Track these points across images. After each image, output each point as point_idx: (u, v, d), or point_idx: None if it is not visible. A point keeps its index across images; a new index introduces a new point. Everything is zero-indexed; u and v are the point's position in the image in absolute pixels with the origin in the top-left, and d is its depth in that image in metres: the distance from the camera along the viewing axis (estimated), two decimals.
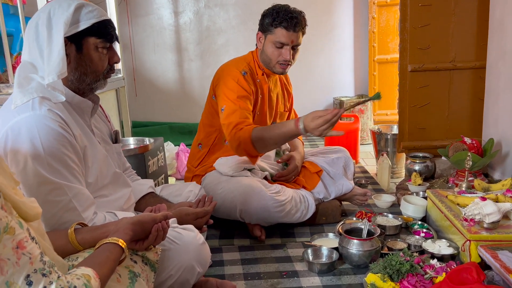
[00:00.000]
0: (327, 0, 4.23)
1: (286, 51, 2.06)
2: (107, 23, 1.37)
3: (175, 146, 3.39)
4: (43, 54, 1.30)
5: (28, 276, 0.80)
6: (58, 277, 0.85)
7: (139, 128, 4.16)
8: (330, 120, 1.78)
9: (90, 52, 1.35)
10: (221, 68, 2.18)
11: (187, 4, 4.30)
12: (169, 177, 2.95)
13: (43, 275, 0.82)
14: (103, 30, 1.35)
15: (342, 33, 4.30)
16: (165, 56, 4.41)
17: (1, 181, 0.85)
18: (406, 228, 2.08)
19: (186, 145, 3.34)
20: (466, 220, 1.70)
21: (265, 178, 2.12)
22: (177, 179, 3.13)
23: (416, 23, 2.62)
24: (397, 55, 3.99)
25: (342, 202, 2.31)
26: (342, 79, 4.41)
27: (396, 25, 4.04)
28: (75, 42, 1.33)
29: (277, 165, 2.27)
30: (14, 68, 2.71)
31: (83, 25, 1.32)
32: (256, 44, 2.16)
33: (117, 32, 1.44)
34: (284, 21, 2.01)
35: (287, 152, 2.33)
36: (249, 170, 2.11)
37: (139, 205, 1.67)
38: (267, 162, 2.24)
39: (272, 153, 2.29)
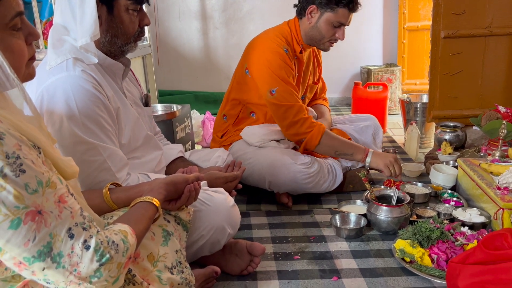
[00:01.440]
0: None
1: (342, 31, 2.02)
2: None
3: (200, 114, 3.40)
4: (76, 16, 1.30)
5: (70, 229, 0.82)
6: (97, 231, 0.87)
7: (164, 97, 4.18)
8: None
9: (121, 14, 1.35)
10: (258, 42, 2.06)
11: None
12: (195, 145, 2.97)
13: (84, 228, 0.84)
14: None
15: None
16: (190, 24, 4.37)
17: (41, 138, 0.86)
18: (435, 197, 2.06)
19: (212, 114, 3.34)
20: (499, 188, 1.66)
21: (294, 148, 2.10)
22: (203, 146, 3.15)
23: None
24: (428, 23, 3.88)
25: (370, 171, 2.29)
26: (370, 48, 4.29)
27: None
28: (106, 3, 1.32)
29: None
30: (43, 34, 2.73)
31: None
32: (301, 15, 2.04)
33: None
34: (350, 2, 1.94)
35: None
36: (277, 140, 2.10)
37: (169, 169, 1.70)
38: None
39: None
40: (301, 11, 2.05)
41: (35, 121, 0.92)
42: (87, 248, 0.83)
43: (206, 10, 4.33)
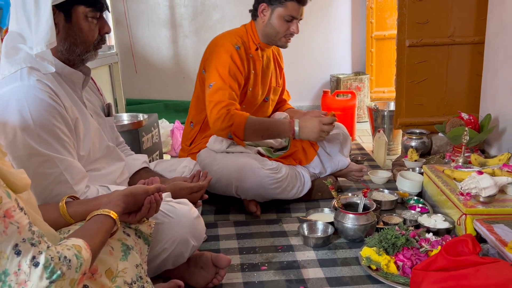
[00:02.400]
0: None
1: (295, 25, 2.05)
2: None
3: (170, 123, 3.36)
4: (31, 23, 1.25)
5: (16, 245, 0.78)
6: (48, 247, 0.83)
7: (133, 106, 4.11)
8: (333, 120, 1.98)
9: (80, 21, 1.31)
10: (213, 41, 2.12)
11: None
12: (164, 155, 2.93)
13: (32, 244, 0.80)
14: None
15: (339, 8, 4.22)
16: (160, 32, 4.33)
17: None
18: (402, 203, 2.08)
19: (181, 123, 3.30)
20: (462, 194, 1.69)
21: (260, 153, 2.10)
22: (172, 156, 3.11)
23: None
24: (395, 32, 3.92)
25: (338, 178, 2.30)
26: (339, 56, 4.35)
27: (394, 1, 3.98)
28: (63, 11, 1.28)
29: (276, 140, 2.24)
30: (2, 41, 2.65)
31: None
32: (255, 16, 2.09)
33: (107, 1, 1.39)
34: None
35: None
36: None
37: (133, 180, 1.65)
38: None
39: None
40: (254, 12, 2.09)
41: None
42: (36, 265, 0.80)
43: (176, 19, 4.30)
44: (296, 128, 2.00)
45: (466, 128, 2.05)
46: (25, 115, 1.19)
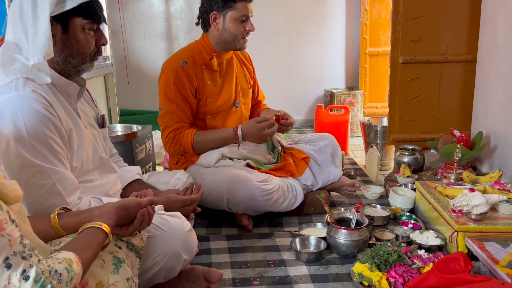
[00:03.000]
0: None
1: (250, 23, 2.08)
2: (94, 4, 1.33)
3: None
4: (28, 34, 1.26)
5: (7, 258, 0.77)
6: (39, 260, 0.82)
7: (127, 117, 4.10)
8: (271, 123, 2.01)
9: (77, 33, 1.31)
10: (164, 63, 2.14)
11: None
12: (157, 166, 2.92)
13: (23, 258, 0.80)
14: (90, 11, 1.32)
15: (334, 24, 4.28)
16: (155, 44, 4.35)
17: None
18: (394, 219, 2.08)
19: None
20: (454, 211, 1.70)
21: (249, 165, 2.10)
22: (165, 168, 3.10)
23: (409, 14, 2.61)
24: (388, 48, 3.98)
25: (331, 193, 2.30)
26: (333, 71, 4.39)
27: (388, 18, 4.04)
28: (61, 22, 1.29)
29: (260, 150, 2.22)
30: None
31: (70, 4, 1.28)
32: (206, 27, 2.10)
33: (105, 13, 1.40)
34: None
35: (278, 144, 2.30)
36: (231, 159, 2.09)
37: (126, 192, 1.64)
38: (250, 149, 2.19)
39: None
40: (204, 23, 2.11)
41: None
42: (26, 278, 0.79)
43: (172, 31, 4.33)
44: (239, 133, 2.05)
45: (458, 145, 2.06)
46: (19, 125, 1.18)
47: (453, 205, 1.70)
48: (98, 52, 1.40)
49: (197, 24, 2.15)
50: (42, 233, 1.09)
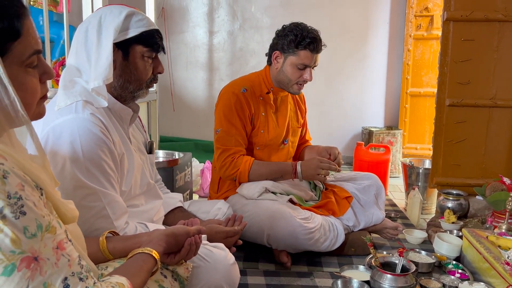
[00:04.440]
0: (363, 29, 4.22)
1: (308, 73, 2.06)
2: (155, 33, 1.37)
3: (200, 163, 3.37)
4: (91, 59, 1.30)
5: (65, 278, 0.77)
6: (94, 283, 0.81)
7: (165, 143, 4.16)
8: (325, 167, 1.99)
9: (136, 60, 1.34)
10: (223, 88, 2.17)
11: (222, 24, 4.35)
12: (193, 194, 2.92)
13: (80, 279, 0.79)
14: (151, 40, 1.35)
15: (376, 63, 4.27)
16: (197, 74, 4.45)
17: (44, 179, 0.83)
18: (439, 267, 1.99)
19: (211, 163, 3.30)
20: (508, 264, 1.60)
21: (291, 201, 2.06)
22: (200, 196, 3.10)
23: (457, 57, 2.57)
24: (430, 89, 3.98)
25: (372, 234, 2.23)
26: (372, 109, 4.35)
27: (432, 59, 4.00)
28: (122, 49, 1.32)
29: (303, 187, 2.19)
30: None
31: (132, 32, 1.32)
32: (270, 62, 2.12)
33: (164, 43, 1.43)
34: (310, 44, 1.99)
35: (319, 182, 2.27)
36: (274, 193, 2.06)
37: (167, 219, 1.64)
38: (293, 184, 2.17)
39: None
40: (269, 58, 2.12)
41: (40, 160, 0.88)
42: None
43: (213, 62, 4.42)
44: (299, 169, 2.04)
45: (511, 194, 1.97)
46: (76, 147, 1.20)
47: (508, 257, 1.61)
48: (154, 79, 1.43)
49: (266, 54, 2.16)
50: (89, 256, 1.09)
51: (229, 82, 2.18)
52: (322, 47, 2.05)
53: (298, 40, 1.98)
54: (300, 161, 2.07)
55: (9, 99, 0.75)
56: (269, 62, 2.13)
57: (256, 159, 2.09)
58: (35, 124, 1.24)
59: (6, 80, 0.74)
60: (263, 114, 2.11)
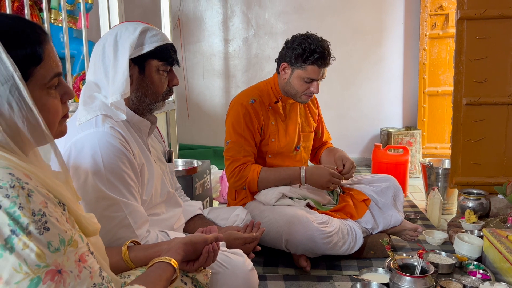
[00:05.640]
0: (378, 31, 4.22)
1: (315, 86, 2.07)
2: (169, 47, 1.41)
3: (219, 170, 3.41)
4: (108, 75, 1.35)
5: None
6: None
7: (184, 151, 4.23)
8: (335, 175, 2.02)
9: (152, 74, 1.39)
10: (233, 99, 2.20)
11: (237, 32, 4.41)
12: (213, 200, 2.96)
13: None
14: (165, 54, 1.40)
15: (392, 63, 4.25)
16: (213, 82, 4.51)
17: (67, 195, 0.87)
18: (460, 267, 1.97)
19: None
20: None
21: (308, 206, 2.08)
22: (220, 202, 3.14)
23: (473, 55, 2.55)
24: (448, 88, 3.94)
25: (391, 237, 2.23)
26: (390, 110, 4.33)
27: (448, 58, 3.96)
28: (138, 64, 1.37)
29: (320, 191, 2.21)
30: (73, 87, 2.84)
31: (147, 48, 1.37)
32: (278, 72, 2.14)
33: (180, 55, 1.48)
34: (318, 60, 1.98)
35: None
36: (291, 198, 2.08)
37: (187, 226, 1.68)
38: (310, 189, 2.18)
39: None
40: (277, 67, 2.14)
41: (62, 177, 0.93)
42: None
43: (229, 70, 4.48)
44: (302, 175, 2.06)
45: None
46: (98, 160, 1.25)
47: None
48: (170, 92, 1.48)
49: (275, 60, 2.18)
50: (112, 265, 1.13)
51: (238, 93, 2.22)
52: (331, 61, 2.05)
53: (306, 55, 1.99)
54: (305, 167, 2.09)
55: (34, 120, 0.81)
56: (278, 71, 2.15)
57: (267, 167, 2.12)
58: (58, 139, 1.31)
59: (30, 103, 0.80)
60: (272, 123, 2.14)
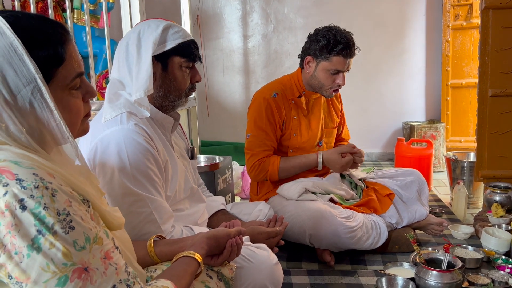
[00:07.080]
0: (399, 23, 4.15)
1: (341, 77, 2.05)
2: (191, 44, 1.42)
3: (240, 166, 3.42)
4: (132, 72, 1.36)
5: (114, 286, 0.81)
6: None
7: (206, 147, 4.25)
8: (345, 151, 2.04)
9: (175, 70, 1.40)
10: (256, 92, 2.20)
11: (256, 28, 4.40)
12: (234, 196, 2.97)
13: (128, 286, 0.83)
14: (187, 50, 1.40)
15: (414, 56, 4.18)
16: (233, 78, 4.52)
17: (90, 191, 0.88)
18: (487, 262, 1.94)
19: None
20: None
21: (332, 200, 2.07)
22: (241, 198, 3.15)
23: (498, 46, 2.49)
24: (472, 80, 3.85)
25: (416, 231, 2.20)
26: (412, 104, 4.26)
27: (472, 49, 3.88)
28: (161, 61, 1.38)
29: (344, 186, 2.19)
30: (96, 86, 2.88)
31: (170, 45, 1.38)
32: (302, 66, 2.12)
33: (200, 52, 1.49)
34: (343, 50, 1.97)
35: (360, 182, 2.26)
36: (314, 193, 2.07)
37: (211, 222, 1.69)
38: (334, 184, 2.17)
39: (337, 175, 2.22)
40: (301, 62, 2.12)
41: (85, 172, 0.94)
42: None
43: (249, 66, 4.48)
44: (320, 160, 2.10)
45: None
46: (123, 157, 1.27)
47: None
48: (192, 88, 1.49)
49: (298, 56, 2.18)
50: (138, 260, 1.14)
51: (262, 87, 2.22)
52: (356, 51, 2.04)
53: (331, 46, 1.98)
54: (321, 152, 2.12)
55: (55, 121, 0.82)
56: (302, 66, 2.14)
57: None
58: (85, 136, 1.33)
59: (52, 105, 0.80)
60: (295, 117, 2.13)
